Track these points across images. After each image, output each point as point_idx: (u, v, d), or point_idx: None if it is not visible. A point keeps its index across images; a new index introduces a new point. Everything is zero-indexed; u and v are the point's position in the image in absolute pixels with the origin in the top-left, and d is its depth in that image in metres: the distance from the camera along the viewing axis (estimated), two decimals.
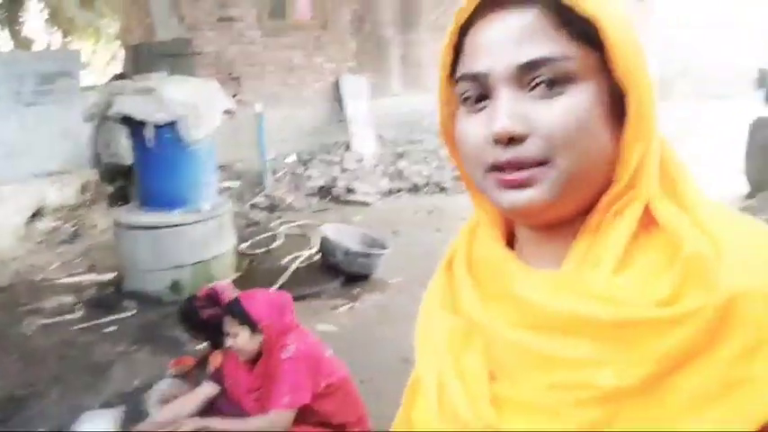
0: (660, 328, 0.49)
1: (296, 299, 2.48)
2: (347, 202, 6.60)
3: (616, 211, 0.56)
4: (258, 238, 5.35)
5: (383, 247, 4.53)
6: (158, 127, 4.03)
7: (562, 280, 0.56)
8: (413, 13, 8.65)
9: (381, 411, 2.36)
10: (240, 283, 4.03)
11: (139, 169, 4.48)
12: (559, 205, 0.56)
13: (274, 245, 5.19)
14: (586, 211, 0.58)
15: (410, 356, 0.70)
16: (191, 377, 2.85)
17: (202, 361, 2.83)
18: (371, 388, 2.73)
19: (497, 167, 0.56)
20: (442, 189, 6.85)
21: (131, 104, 4.03)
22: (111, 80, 6.70)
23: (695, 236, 0.52)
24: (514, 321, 0.57)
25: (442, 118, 0.65)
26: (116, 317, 3.98)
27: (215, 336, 2.46)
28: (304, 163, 7.43)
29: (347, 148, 7.70)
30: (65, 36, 11.87)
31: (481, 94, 0.57)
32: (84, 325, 3.91)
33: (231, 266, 4.57)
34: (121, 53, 10.04)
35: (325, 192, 6.85)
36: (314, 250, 4.85)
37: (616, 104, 0.56)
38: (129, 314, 4.04)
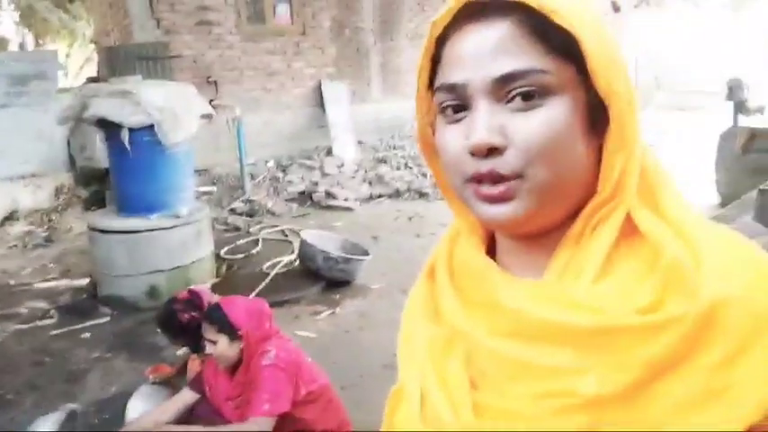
0: (642, 336, 0.49)
1: (276, 305, 2.46)
2: (328, 208, 6.58)
3: (598, 220, 0.57)
4: (238, 243, 5.31)
5: (364, 254, 4.52)
6: (135, 130, 3.97)
7: (544, 288, 0.56)
8: (392, 21, 8.69)
9: (363, 418, 2.36)
10: (219, 288, 4.00)
11: (115, 173, 4.42)
12: (539, 217, 0.56)
13: (254, 250, 5.15)
14: (568, 220, 0.58)
15: (392, 362, 0.70)
16: (171, 383, 2.81)
17: (183, 367, 2.79)
18: (353, 394, 2.72)
19: (476, 179, 0.56)
20: (423, 195, 6.87)
21: (107, 107, 3.97)
22: (85, 83, 6.61)
23: (676, 244, 0.53)
24: (497, 329, 0.57)
25: (419, 127, 0.65)
26: (92, 323, 3.92)
27: (194, 340, 2.43)
28: (284, 168, 7.39)
29: (328, 153, 7.69)
30: (38, 38, 11.68)
31: (459, 104, 0.57)
32: (59, 331, 3.84)
33: (210, 272, 4.52)
34: (96, 56, 9.90)
35: (305, 197, 6.83)
36: (294, 256, 4.83)
37: (596, 115, 0.56)
38: (104, 320, 3.98)
